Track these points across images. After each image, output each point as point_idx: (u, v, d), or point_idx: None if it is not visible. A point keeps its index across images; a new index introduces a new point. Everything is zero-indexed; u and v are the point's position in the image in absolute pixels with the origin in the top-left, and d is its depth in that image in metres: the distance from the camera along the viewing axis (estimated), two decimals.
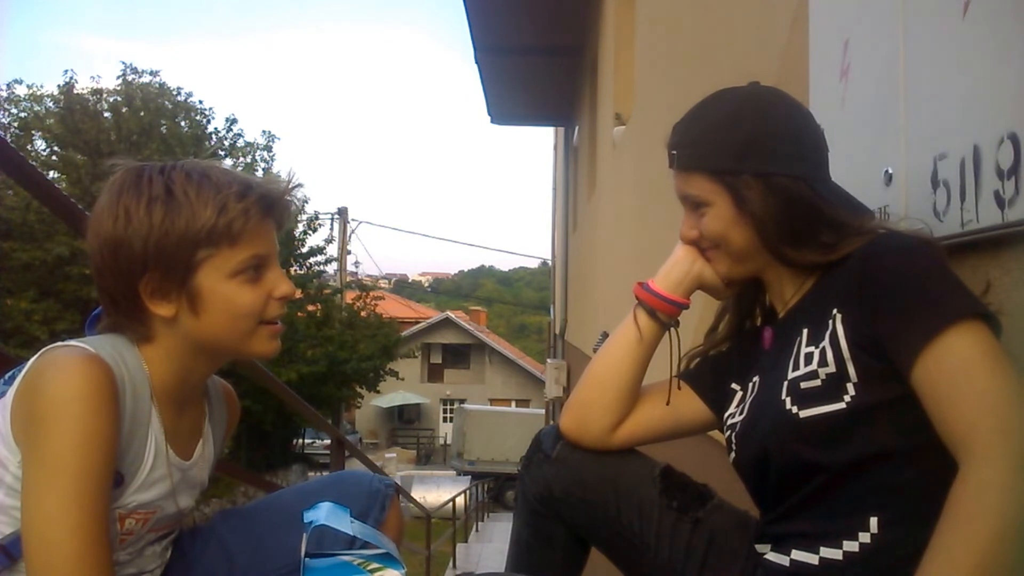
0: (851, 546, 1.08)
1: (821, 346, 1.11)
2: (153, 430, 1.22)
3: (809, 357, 1.13)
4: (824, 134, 1.23)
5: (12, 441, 1.10)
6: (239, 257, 1.19)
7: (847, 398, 1.07)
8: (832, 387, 1.09)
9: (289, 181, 1.28)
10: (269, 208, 1.23)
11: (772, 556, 1.18)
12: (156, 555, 1.30)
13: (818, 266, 1.18)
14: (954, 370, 0.97)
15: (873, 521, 1.06)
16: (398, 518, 1.46)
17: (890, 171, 1.27)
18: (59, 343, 1.16)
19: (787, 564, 1.14)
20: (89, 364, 1.11)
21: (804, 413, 1.11)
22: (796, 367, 1.14)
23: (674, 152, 1.25)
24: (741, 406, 1.29)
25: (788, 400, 1.13)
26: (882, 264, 1.06)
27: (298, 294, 18.18)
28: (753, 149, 1.18)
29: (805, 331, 1.16)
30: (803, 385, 1.12)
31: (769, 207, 1.17)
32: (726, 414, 1.32)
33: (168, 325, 1.21)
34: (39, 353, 1.14)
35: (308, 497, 1.41)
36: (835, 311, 1.10)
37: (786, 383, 1.15)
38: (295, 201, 1.30)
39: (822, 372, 1.10)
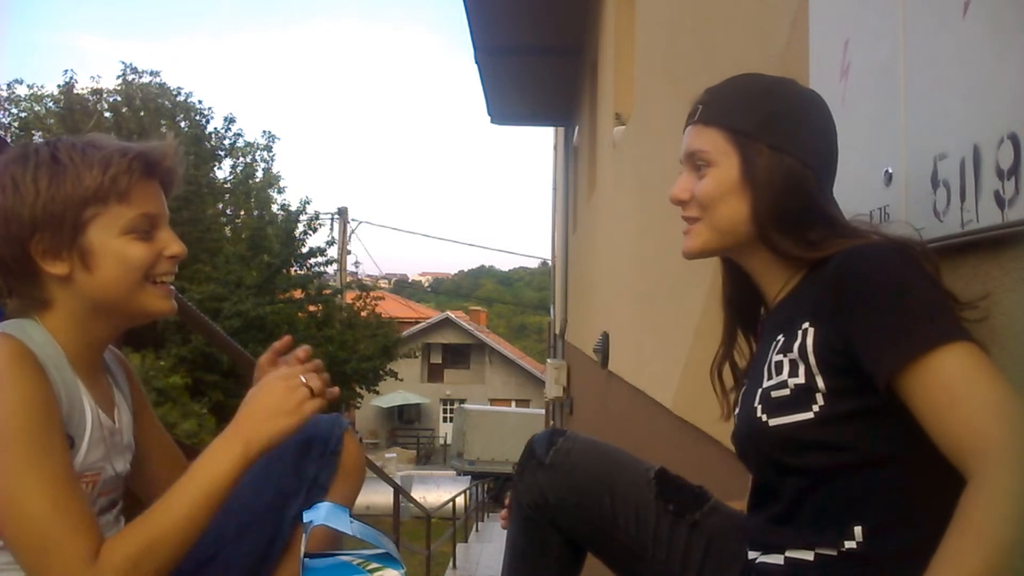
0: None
1: (790, 357, 1.11)
2: (84, 395, 1.25)
3: (779, 366, 1.13)
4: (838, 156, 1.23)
5: None
6: (129, 215, 1.25)
7: (815, 408, 1.07)
8: (801, 397, 1.09)
9: (172, 144, 1.33)
10: (151, 166, 1.28)
11: (765, 558, 1.18)
12: (109, 524, 1.32)
13: (801, 262, 1.18)
14: (952, 380, 0.95)
15: (857, 530, 1.06)
16: (353, 445, 1.50)
17: (890, 171, 1.27)
18: None
19: (781, 563, 1.14)
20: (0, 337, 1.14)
21: (773, 422, 1.12)
22: (769, 376, 1.15)
23: (700, 106, 1.24)
24: (739, 407, 1.29)
25: (759, 408, 1.14)
26: (856, 274, 1.05)
27: (298, 294, 18.17)
28: (777, 123, 1.18)
29: (780, 338, 1.15)
30: (774, 394, 1.12)
31: (773, 181, 1.16)
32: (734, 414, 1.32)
33: (64, 286, 1.24)
34: None
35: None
36: (806, 324, 1.10)
37: (760, 391, 1.15)
38: (180, 165, 1.34)
39: (791, 382, 1.10)
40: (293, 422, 1.24)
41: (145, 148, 1.28)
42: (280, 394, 1.25)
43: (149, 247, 1.26)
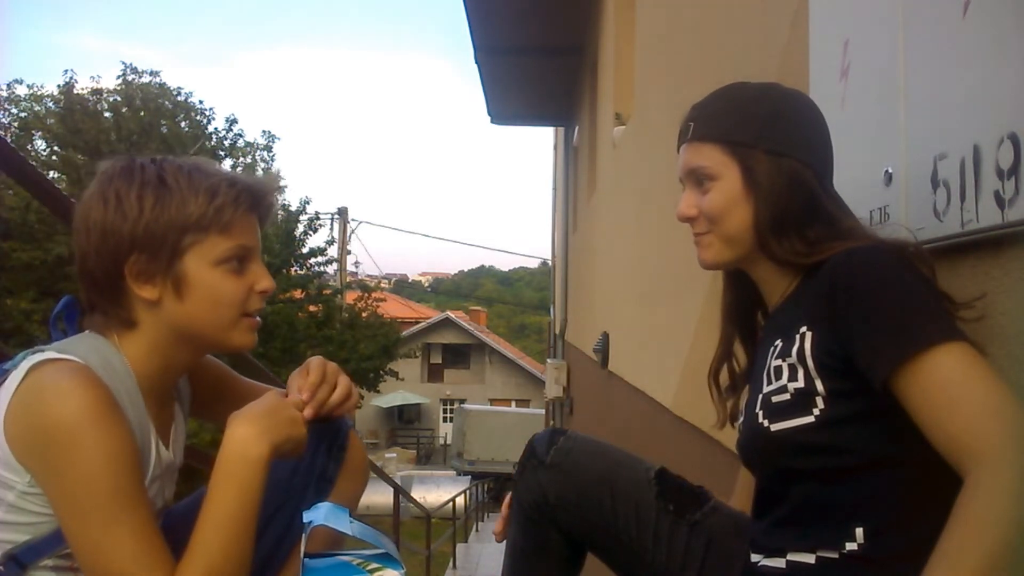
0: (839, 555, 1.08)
1: (789, 361, 1.11)
2: (151, 433, 1.24)
3: (779, 371, 1.13)
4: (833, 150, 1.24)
5: (15, 463, 1.10)
6: (225, 245, 1.22)
7: (816, 411, 1.08)
8: (801, 401, 1.09)
9: (275, 179, 1.31)
10: (256, 201, 1.26)
11: (767, 561, 1.18)
12: None
13: (798, 267, 1.18)
14: (948, 380, 0.96)
15: (858, 532, 1.06)
16: (359, 444, 1.47)
17: (890, 171, 1.27)
18: (38, 353, 1.15)
19: (783, 566, 1.14)
20: (85, 378, 1.11)
21: (775, 427, 1.12)
22: (769, 381, 1.15)
23: (691, 123, 1.25)
24: (742, 415, 1.29)
25: (760, 413, 1.15)
26: (851, 276, 1.05)
27: (298, 294, 18.17)
28: (771, 127, 1.19)
29: (778, 343, 1.16)
30: (774, 399, 1.13)
31: (775, 185, 1.17)
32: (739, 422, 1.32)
33: (151, 310, 1.21)
34: (21, 367, 1.12)
35: None
36: (804, 328, 1.11)
37: (760, 396, 1.16)
38: (278, 200, 1.32)
39: (791, 387, 1.10)
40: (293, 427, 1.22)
41: (252, 182, 1.26)
42: (275, 401, 1.23)
43: (241, 282, 1.24)
